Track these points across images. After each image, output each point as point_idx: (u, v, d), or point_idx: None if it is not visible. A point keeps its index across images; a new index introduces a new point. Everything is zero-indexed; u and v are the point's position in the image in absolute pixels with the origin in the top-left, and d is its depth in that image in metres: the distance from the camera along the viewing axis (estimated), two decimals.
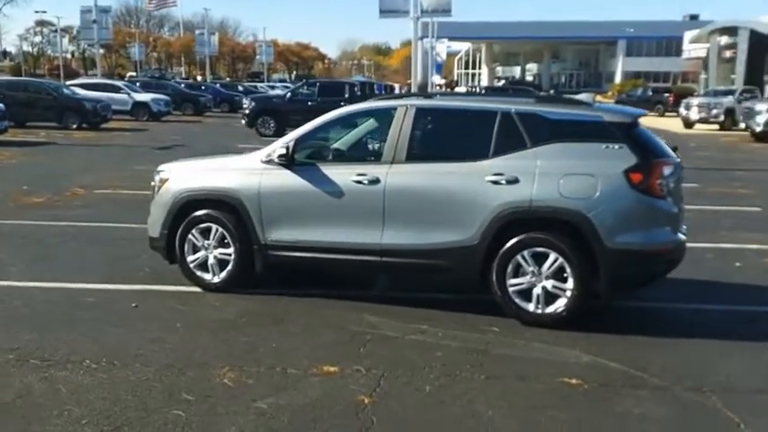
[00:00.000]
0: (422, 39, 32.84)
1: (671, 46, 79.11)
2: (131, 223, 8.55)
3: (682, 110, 34.46)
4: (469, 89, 54.69)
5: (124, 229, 8.84)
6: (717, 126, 32.63)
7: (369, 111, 6.35)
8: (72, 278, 6.77)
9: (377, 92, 31.43)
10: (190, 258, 6.44)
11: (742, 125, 28.32)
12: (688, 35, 48.73)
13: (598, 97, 27.34)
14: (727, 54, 40.56)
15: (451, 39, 52.60)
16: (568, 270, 5.36)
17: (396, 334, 5.37)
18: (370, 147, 6.32)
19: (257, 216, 6.11)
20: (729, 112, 32.43)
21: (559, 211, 5.36)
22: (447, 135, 5.97)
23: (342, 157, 6.21)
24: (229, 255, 6.30)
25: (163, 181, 6.57)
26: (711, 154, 20.99)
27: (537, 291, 5.49)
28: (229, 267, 6.32)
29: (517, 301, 5.54)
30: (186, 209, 6.40)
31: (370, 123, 6.37)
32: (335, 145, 6.47)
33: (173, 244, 6.49)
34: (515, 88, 40.55)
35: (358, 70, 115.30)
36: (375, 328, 5.49)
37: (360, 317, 5.73)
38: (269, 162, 6.17)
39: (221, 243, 6.33)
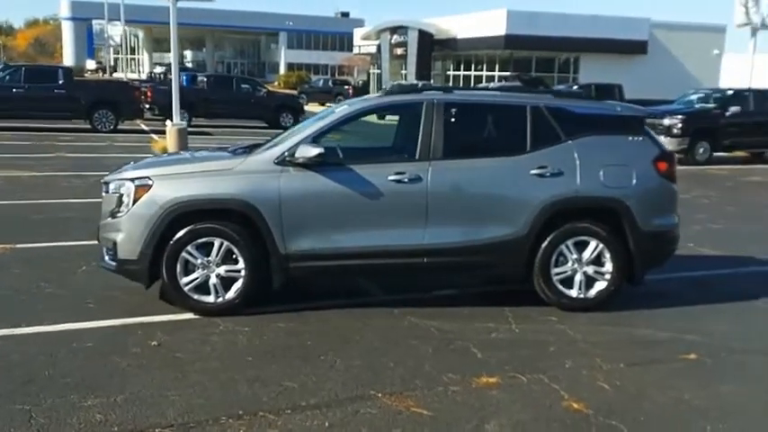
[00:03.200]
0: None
1: (327, 40, 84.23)
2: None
3: None
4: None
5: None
6: None
7: (390, 106, 5.99)
8: (41, 319, 5.29)
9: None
10: (184, 280, 5.47)
11: None
12: (359, 32, 52.23)
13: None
14: (399, 51, 44.43)
15: (110, 21, 49.06)
16: (607, 255, 5.77)
17: (479, 336, 5.28)
18: (399, 144, 5.97)
19: (277, 225, 5.43)
20: None
21: (603, 200, 5.73)
22: (480, 130, 5.93)
23: (369, 156, 5.79)
24: (238, 271, 5.50)
25: (142, 189, 5.43)
26: None
27: (578, 277, 5.79)
28: (238, 286, 5.51)
29: (561, 288, 5.77)
30: (178, 222, 5.39)
31: (393, 119, 6.01)
32: (355, 143, 5.98)
33: (157, 265, 5.42)
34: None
35: None
36: (451, 333, 5.32)
37: (416, 323, 5.51)
38: (285, 163, 5.49)
39: (226, 259, 5.47)
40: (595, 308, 5.81)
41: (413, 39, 41.89)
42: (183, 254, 5.43)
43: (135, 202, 5.42)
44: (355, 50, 53.71)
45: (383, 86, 42.69)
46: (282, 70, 78.12)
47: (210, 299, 5.51)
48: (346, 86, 49.25)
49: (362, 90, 49.57)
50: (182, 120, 24.36)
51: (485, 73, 39.31)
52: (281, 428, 3.77)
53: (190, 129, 18.08)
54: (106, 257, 5.72)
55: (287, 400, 4.09)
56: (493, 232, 5.64)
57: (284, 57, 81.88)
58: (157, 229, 5.37)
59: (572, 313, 5.76)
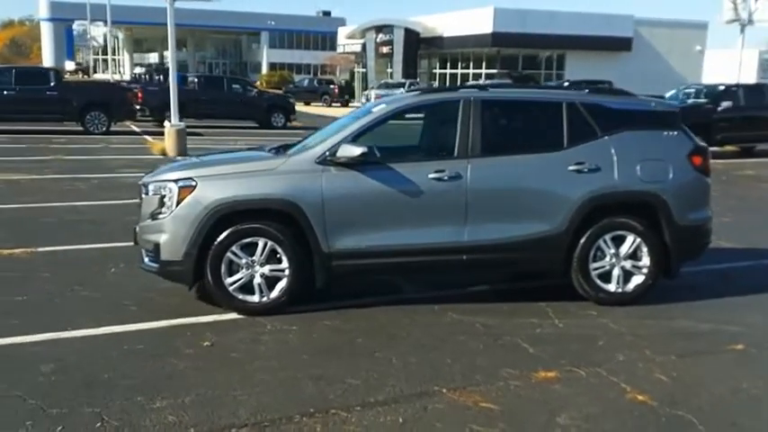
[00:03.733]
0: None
1: (309, 40, 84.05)
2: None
3: (362, 100, 37.10)
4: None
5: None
6: None
7: (427, 105, 6.01)
8: (84, 322, 5.26)
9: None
10: (229, 280, 5.47)
11: None
12: (343, 31, 52.24)
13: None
14: (384, 50, 44.54)
15: (93, 21, 48.62)
16: (644, 249, 5.85)
17: (524, 331, 5.33)
18: (433, 142, 5.99)
19: (320, 224, 5.44)
20: None
21: (640, 194, 5.81)
22: (517, 127, 5.98)
23: (406, 154, 5.80)
24: (282, 270, 5.51)
25: (186, 189, 5.42)
26: None
27: (616, 272, 5.86)
28: (282, 285, 5.52)
29: (599, 283, 5.84)
30: (223, 222, 5.40)
31: (428, 118, 6.03)
32: (391, 142, 6.00)
33: (202, 266, 5.42)
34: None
35: None
36: (496, 328, 5.37)
37: (459, 319, 5.55)
38: (327, 162, 5.50)
39: (270, 258, 5.48)
40: (632, 302, 5.86)
41: (399, 37, 42.01)
42: (228, 254, 5.44)
43: (179, 203, 5.41)
44: (339, 49, 53.71)
45: (370, 85, 42.81)
46: (265, 70, 77.87)
47: (255, 298, 5.52)
48: (332, 86, 49.18)
49: (348, 89, 49.59)
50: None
51: (471, 71, 39.49)
52: (356, 425, 3.79)
53: None
54: (146, 259, 5.70)
55: (354, 397, 4.11)
56: (532, 228, 5.69)
57: (266, 56, 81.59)
58: (202, 230, 5.37)
59: (609, 307, 5.82)
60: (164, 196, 5.53)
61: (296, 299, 5.63)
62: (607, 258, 5.85)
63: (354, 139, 5.60)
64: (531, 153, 5.81)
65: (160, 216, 5.53)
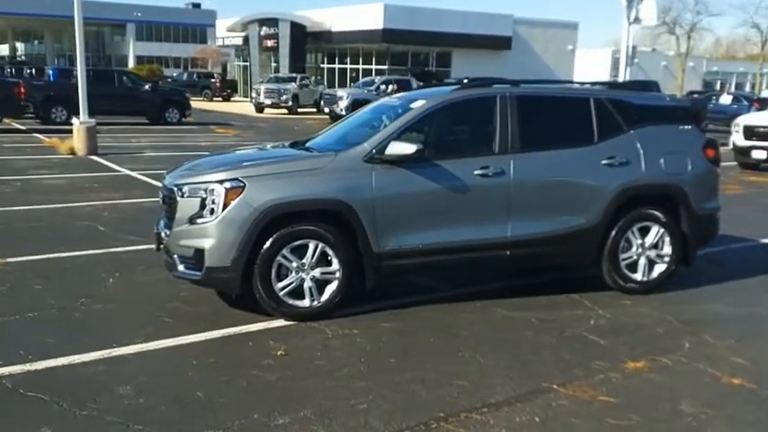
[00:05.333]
0: None
1: (178, 32, 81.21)
2: None
3: (253, 94, 36.37)
4: None
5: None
6: (285, 110, 35.43)
7: (467, 100, 5.96)
8: (125, 337, 4.88)
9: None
10: (279, 285, 5.24)
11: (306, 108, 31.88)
12: (222, 23, 50.82)
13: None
14: (269, 43, 43.80)
15: None
16: (666, 239, 6.13)
17: (581, 323, 5.45)
18: (476, 137, 5.96)
19: (371, 224, 5.32)
20: (295, 97, 35.57)
21: (664, 186, 6.09)
22: (550, 122, 6.05)
23: (450, 151, 5.74)
24: (333, 273, 5.34)
25: (234, 192, 5.13)
26: None
27: (642, 261, 6.12)
28: (333, 287, 5.35)
29: (627, 273, 6.08)
30: (273, 225, 5.16)
31: (465, 113, 5.99)
32: (431, 138, 5.92)
33: (249, 272, 5.16)
34: None
35: None
36: (552, 322, 5.44)
37: (509, 315, 5.59)
38: (374, 161, 5.38)
39: (320, 261, 5.30)
40: (655, 290, 6.12)
41: (285, 31, 41.46)
42: (279, 258, 5.18)
43: (226, 206, 5.09)
44: (218, 42, 52.23)
45: (257, 79, 41.91)
46: (131, 63, 74.34)
47: (305, 303, 5.31)
48: (212, 79, 47.83)
49: (230, 83, 48.36)
50: (55, 117, 22.76)
51: (361, 66, 39.65)
52: (499, 427, 3.73)
53: (69, 127, 16.86)
54: (181, 267, 5.33)
55: (473, 399, 4.05)
56: (571, 222, 5.82)
57: (133, 49, 77.94)
58: (252, 234, 5.09)
59: (641, 296, 6.05)
60: (204, 199, 5.18)
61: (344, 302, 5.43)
62: (634, 249, 6.08)
63: (399, 136, 5.48)
64: (565, 148, 5.93)
65: (201, 220, 5.18)
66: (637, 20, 24.63)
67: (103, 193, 10.89)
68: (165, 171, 5.99)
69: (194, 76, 48.90)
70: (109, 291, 6.01)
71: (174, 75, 53.23)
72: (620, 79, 23.32)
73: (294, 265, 5.23)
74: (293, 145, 6.57)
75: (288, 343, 4.89)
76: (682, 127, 6.32)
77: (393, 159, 5.36)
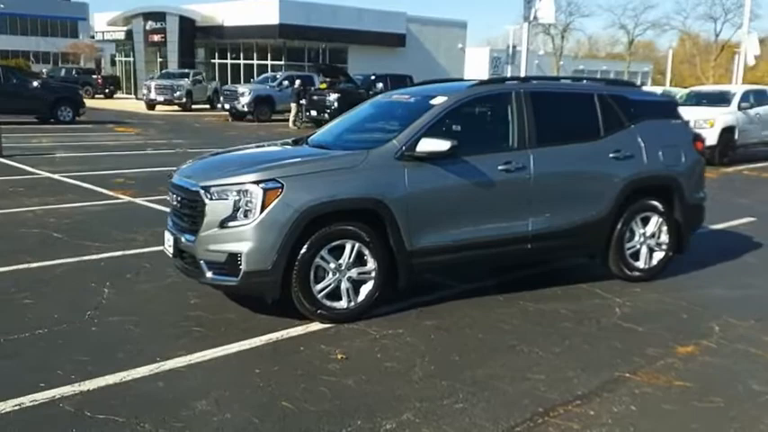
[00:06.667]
0: None
1: (47, 25, 76.72)
2: None
3: (143, 91, 34.95)
4: None
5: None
6: (178, 107, 34.31)
7: (487, 96, 5.97)
8: (168, 351, 4.60)
9: None
10: (318, 287, 5.10)
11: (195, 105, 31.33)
12: (101, 17, 48.35)
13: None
14: (155, 38, 42.16)
15: None
16: (664, 228, 6.44)
17: (608, 312, 5.61)
18: (496, 133, 5.97)
19: (404, 222, 5.28)
20: (189, 94, 34.52)
21: (664, 178, 6.39)
22: (560, 117, 6.17)
23: (473, 146, 5.74)
24: (368, 273, 5.25)
25: (272, 192, 4.93)
26: (238, 133, 22.67)
27: (644, 249, 6.40)
28: (369, 288, 5.27)
29: (631, 261, 6.34)
30: (312, 226, 5.02)
31: (482, 109, 6.02)
32: (455, 134, 5.89)
33: (288, 275, 5.01)
34: None
35: None
36: (580, 313, 5.57)
37: (538, 307, 5.67)
38: (405, 158, 5.34)
39: (356, 261, 5.21)
40: (656, 277, 6.41)
41: (173, 25, 40.10)
42: (317, 259, 5.02)
43: (264, 207, 4.87)
44: (98, 37, 49.65)
45: (147, 75, 40.23)
46: None
47: (343, 304, 5.18)
48: (94, 75, 45.56)
49: (113, 79, 46.22)
50: None
51: (255, 62, 38.94)
52: (601, 418, 3.79)
53: None
54: (209, 273, 5.06)
55: (560, 392, 4.09)
56: (585, 214, 5.99)
57: None
58: (292, 236, 4.91)
59: (645, 283, 6.30)
60: (238, 200, 4.93)
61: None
62: (637, 238, 6.33)
63: (426, 133, 5.43)
64: (576, 142, 6.08)
65: (235, 223, 4.94)
66: (535, 18, 25.60)
67: (34, 198, 10.14)
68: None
69: (73, 72, 46.30)
70: (112, 302, 5.61)
71: (44, 70, 50.14)
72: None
73: (332, 266, 5.08)
74: (296, 142, 6.39)
75: (340, 346, 4.74)
76: (674, 121, 6.63)
77: (424, 156, 5.30)
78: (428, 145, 5.27)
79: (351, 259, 5.13)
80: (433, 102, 5.70)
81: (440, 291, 5.97)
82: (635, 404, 3.95)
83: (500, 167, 5.62)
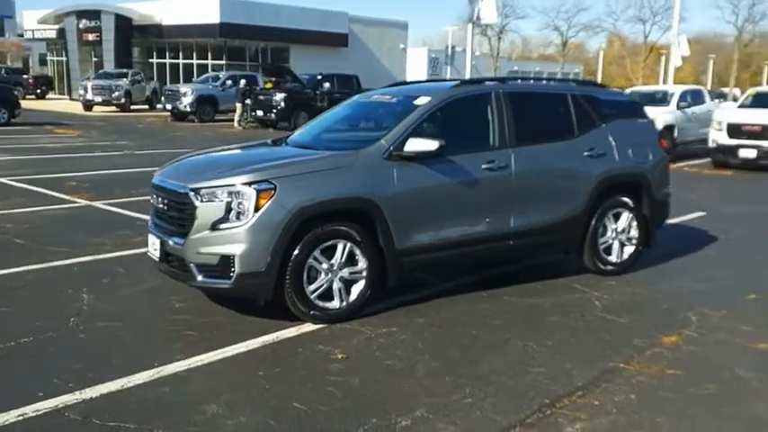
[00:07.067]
0: None
1: None
2: None
3: (80, 92, 34.03)
4: None
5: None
6: (117, 108, 33.52)
7: (468, 96, 6.05)
8: (166, 356, 4.55)
9: None
10: (311, 288, 5.12)
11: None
12: (30, 15, 46.70)
13: None
14: (90, 37, 41.03)
15: None
16: (634, 223, 6.68)
17: (589, 305, 5.79)
18: (478, 133, 6.05)
19: (394, 220, 5.35)
20: (128, 94, 33.77)
21: (634, 175, 6.62)
22: (537, 117, 6.31)
23: (457, 146, 5.80)
24: (359, 272, 5.30)
25: (266, 193, 4.92)
26: (184, 134, 22.30)
27: (616, 244, 6.63)
28: (360, 287, 5.31)
29: (604, 256, 6.56)
30: (305, 226, 5.05)
31: (464, 109, 6.10)
32: (440, 134, 5.96)
33: (283, 276, 5.02)
34: None
35: None
36: (566, 307, 5.72)
37: (525, 302, 5.82)
38: (392, 158, 5.41)
39: (348, 261, 5.26)
40: (627, 270, 6.64)
41: (108, 24, 39.15)
42: (310, 260, 5.04)
43: (257, 209, 4.86)
44: (27, 35, 47.92)
45: (83, 75, 39.09)
46: None
47: (335, 304, 5.20)
48: (24, 75, 44.02)
49: (45, 79, 44.77)
50: None
51: (195, 61, 38.35)
52: (606, 407, 3.92)
53: None
54: (200, 276, 5.02)
55: (562, 384, 4.19)
56: (562, 210, 6.17)
57: None
58: (285, 237, 4.91)
59: (619, 277, 6.53)
60: (230, 202, 4.90)
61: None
62: (609, 233, 6.55)
63: (413, 132, 5.50)
64: (552, 141, 6.25)
65: (227, 225, 4.91)
66: (478, 19, 26.01)
67: None
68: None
69: (2, 71, 44.53)
70: (94, 308, 5.49)
71: None
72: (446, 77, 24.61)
73: (324, 266, 5.10)
74: (275, 143, 6.38)
75: (338, 346, 4.77)
76: (641, 120, 6.88)
77: (412, 156, 5.37)
78: (416, 145, 5.34)
79: (343, 259, 5.15)
80: (417, 102, 5.77)
81: (423, 289, 6.02)
82: (634, 393, 4.10)
83: (484, 166, 5.73)
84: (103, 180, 12.20)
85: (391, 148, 5.36)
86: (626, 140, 6.56)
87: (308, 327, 5.12)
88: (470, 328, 5.16)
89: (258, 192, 4.86)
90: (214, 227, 4.90)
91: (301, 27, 37.58)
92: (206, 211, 4.93)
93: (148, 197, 5.71)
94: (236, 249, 4.84)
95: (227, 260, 4.87)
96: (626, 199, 6.57)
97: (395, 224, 5.29)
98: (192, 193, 4.98)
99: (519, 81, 6.98)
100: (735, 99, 31.20)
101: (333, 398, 3.98)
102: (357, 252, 5.20)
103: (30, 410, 3.75)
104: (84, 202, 10.08)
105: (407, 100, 5.90)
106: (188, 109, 28.48)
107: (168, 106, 28.84)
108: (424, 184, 5.44)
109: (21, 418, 3.68)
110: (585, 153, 6.29)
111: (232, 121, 26.89)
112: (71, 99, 40.44)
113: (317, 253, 5.05)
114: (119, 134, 21.95)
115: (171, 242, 5.15)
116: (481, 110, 6.00)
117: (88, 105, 33.27)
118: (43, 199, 10.27)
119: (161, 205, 5.33)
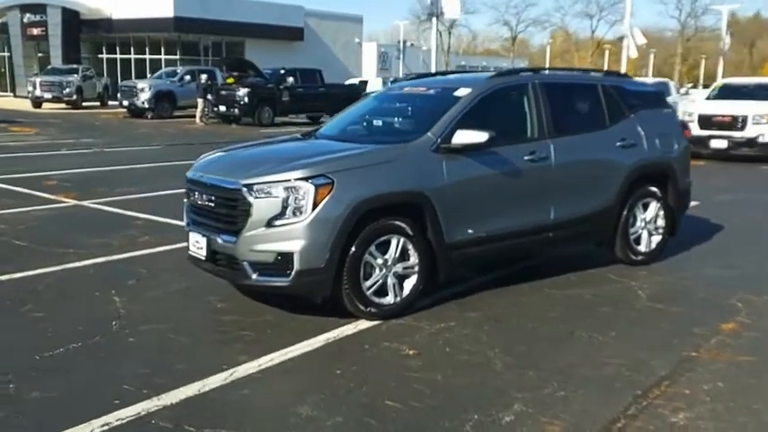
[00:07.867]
0: None
1: None
2: None
3: (29, 88, 32.91)
4: None
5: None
6: (67, 104, 32.52)
7: (504, 88, 5.97)
8: (232, 358, 4.38)
9: None
10: (367, 284, 5.00)
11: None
12: None
13: None
14: (35, 32, 39.68)
15: None
16: (661, 213, 6.74)
17: (633, 296, 5.79)
18: (518, 124, 5.99)
19: (443, 214, 5.26)
20: (79, 90, 32.78)
21: (661, 165, 6.67)
22: (571, 108, 6.29)
23: (500, 137, 5.72)
24: (412, 267, 5.20)
25: (325, 188, 4.77)
26: (148, 130, 21.79)
27: (645, 234, 6.67)
28: (413, 282, 5.21)
29: (634, 246, 6.60)
30: (362, 221, 4.92)
31: (501, 101, 6.00)
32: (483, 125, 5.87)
33: (340, 272, 4.89)
34: None
35: None
36: (610, 297, 5.71)
37: (565, 294, 5.79)
38: (440, 150, 5.31)
39: (401, 256, 5.16)
40: (653, 260, 6.68)
41: (55, 18, 37.91)
42: (366, 255, 4.92)
43: (316, 204, 4.70)
44: None
45: (29, 71, 37.72)
46: None
47: (390, 300, 5.09)
48: None
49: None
50: None
51: (148, 56, 37.42)
52: (698, 395, 3.91)
53: None
54: (255, 275, 4.84)
55: (646, 375, 4.14)
56: (598, 201, 6.17)
57: None
58: (344, 232, 4.77)
59: (647, 266, 6.56)
60: (287, 198, 4.73)
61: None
62: (638, 223, 6.58)
63: (460, 124, 5.41)
64: (587, 132, 6.23)
65: (283, 221, 4.74)
66: (442, 14, 26.05)
67: None
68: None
69: None
70: (131, 311, 5.25)
71: None
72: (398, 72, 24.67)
73: (379, 261, 4.98)
74: (305, 137, 6.23)
75: (403, 342, 4.66)
76: (665, 110, 6.93)
77: (460, 148, 5.28)
78: (465, 136, 5.24)
79: (397, 254, 5.03)
80: (458, 93, 5.67)
81: (462, 283, 5.92)
82: (720, 381, 4.09)
83: (526, 157, 5.67)
84: (84, 179, 11.77)
85: (439, 140, 5.26)
86: (653, 130, 6.59)
87: (364, 324, 4.98)
88: (526, 321, 5.11)
89: (316, 187, 4.70)
90: (270, 223, 4.72)
91: (257, 21, 37.05)
92: (261, 207, 4.74)
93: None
94: (296, 246, 4.67)
95: (285, 257, 4.69)
96: (654, 189, 6.60)
97: (444, 218, 5.19)
98: (244, 189, 4.79)
99: (546, 71, 6.91)
100: (678, 92, 31.83)
101: (422, 395, 3.87)
102: (409, 247, 5.09)
103: (112, 419, 3.55)
104: (72, 201, 9.70)
105: (446, 92, 5.80)
106: (146, 105, 27.78)
107: (125, 102, 28.06)
108: (471, 176, 5.36)
109: (106, 427, 3.47)
110: (618, 143, 6.30)
111: (191, 117, 26.35)
112: (15, 96, 39.06)
113: (372, 248, 4.93)
114: (78, 132, 21.27)
115: (220, 240, 4.94)
116: (519, 101, 5.94)
117: (37, 102, 32.22)
118: (28, 199, 9.86)
119: (206, 202, 5.11)
